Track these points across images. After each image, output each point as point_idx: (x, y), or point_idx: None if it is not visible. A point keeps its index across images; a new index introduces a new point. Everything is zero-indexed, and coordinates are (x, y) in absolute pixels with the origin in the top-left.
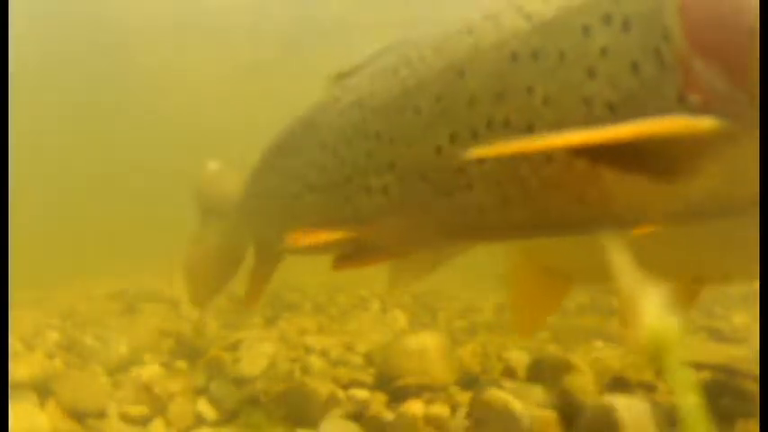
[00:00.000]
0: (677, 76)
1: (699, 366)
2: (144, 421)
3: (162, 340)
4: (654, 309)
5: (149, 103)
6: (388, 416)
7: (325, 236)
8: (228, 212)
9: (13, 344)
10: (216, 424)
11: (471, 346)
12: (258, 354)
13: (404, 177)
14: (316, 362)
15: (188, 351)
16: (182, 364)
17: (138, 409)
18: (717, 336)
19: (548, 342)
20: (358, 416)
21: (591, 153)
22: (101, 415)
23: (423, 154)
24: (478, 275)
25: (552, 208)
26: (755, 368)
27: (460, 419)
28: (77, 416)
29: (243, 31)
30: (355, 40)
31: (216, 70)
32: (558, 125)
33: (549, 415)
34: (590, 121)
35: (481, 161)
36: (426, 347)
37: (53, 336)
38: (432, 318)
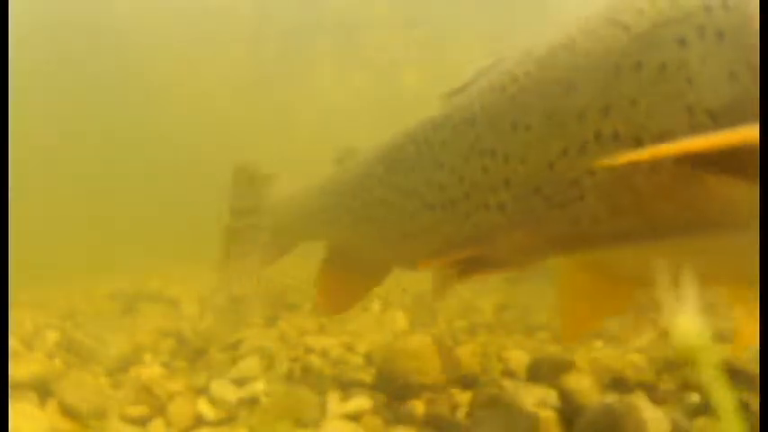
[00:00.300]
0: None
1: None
2: (144, 421)
3: (162, 340)
4: (688, 313)
5: (149, 102)
6: (388, 416)
7: (455, 257)
8: (263, 211)
9: (13, 344)
10: (216, 424)
11: (471, 346)
12: (258, 354)
13: (519, 193)
14: (316, 362)
15: (188, 351)
16: (182, 364)
17: (138, 409)
18: (717, 336)
19: (548, 342)
20: (358, 416)
21: (694, 160)
22: (101, 415)
23: (536, 169)
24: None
25: (661, 215)
26: (755, 368)
27: (460, 419)
28: (77, 416)
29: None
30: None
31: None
32: (663, 135)
33: (549, 415)
34: (692, 130)
35: (592, 173)
36: (426, 347)
37: (53, 336)
38: (432, 318)
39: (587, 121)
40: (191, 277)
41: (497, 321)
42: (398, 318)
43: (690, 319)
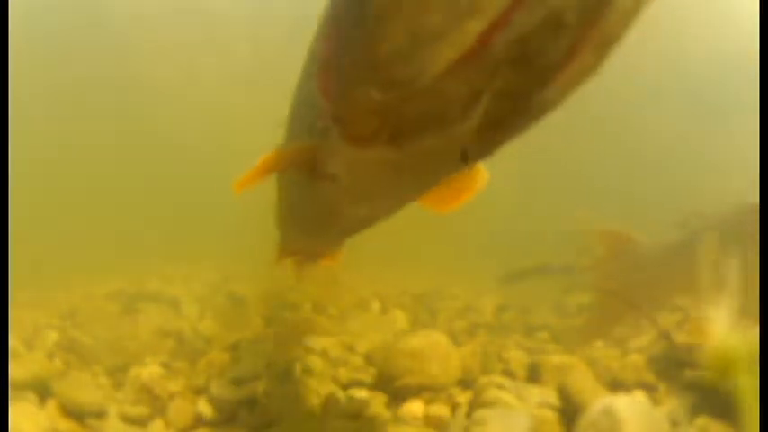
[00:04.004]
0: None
1: (698, 366)
2: (144, 421)
3: (162, 340)
4: (725, 323)
5: (150, 101)
6: (388, 416)
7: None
8: None
9: (13, 344)
10: (216, 424)
11: (471, 346)
12: (258, 354)
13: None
14: (316, 362)
15: (188, 351)
16: (182, 364)
17: (138, 409)
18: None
19: (548, 342)
20: (358, 416)
21: None
22: (101, 415)
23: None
24: (479, 276)
25: None
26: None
27: (460, 419)
28: (77, 416)
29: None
30: None
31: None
32: None
33: (549, 415)
34: None
35: None
36: (426, 347)
37: (53, 336)
38: (432, 318)
39: None
40: (191, 277)
41: (497, 321)
42: (398, 318)
43: (729, 325)
